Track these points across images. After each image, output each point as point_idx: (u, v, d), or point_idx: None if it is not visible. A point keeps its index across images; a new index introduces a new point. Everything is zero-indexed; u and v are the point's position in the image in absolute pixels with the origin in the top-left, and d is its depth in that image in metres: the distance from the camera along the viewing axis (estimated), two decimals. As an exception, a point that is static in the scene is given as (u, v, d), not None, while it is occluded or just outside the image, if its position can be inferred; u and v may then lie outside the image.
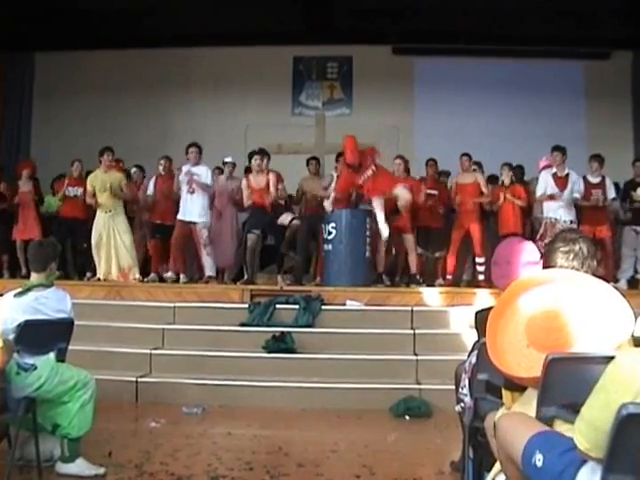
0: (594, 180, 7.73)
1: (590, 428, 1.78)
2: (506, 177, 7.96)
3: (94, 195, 7.75)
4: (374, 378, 5.72)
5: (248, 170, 8.18)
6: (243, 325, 6.42)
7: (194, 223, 7.75)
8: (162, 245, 8.14)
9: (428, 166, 8.58)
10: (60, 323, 3.69)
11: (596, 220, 7.60)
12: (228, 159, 8.53)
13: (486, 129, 10.20)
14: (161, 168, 8.31)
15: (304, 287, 7.44)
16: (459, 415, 3.33)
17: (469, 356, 3.30)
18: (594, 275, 2.36)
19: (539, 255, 3.62)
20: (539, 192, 7.60)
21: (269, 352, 6.00)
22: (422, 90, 10.87)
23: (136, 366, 5.93)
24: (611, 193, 7.71)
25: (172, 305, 6.76)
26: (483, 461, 2.95)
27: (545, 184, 7.53)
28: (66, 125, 10.62)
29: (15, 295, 3.62)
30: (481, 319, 3.01)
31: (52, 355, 3.61)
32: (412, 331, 6.29)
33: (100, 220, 7.76)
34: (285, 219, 7.63)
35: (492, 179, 8.47)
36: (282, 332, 6.13)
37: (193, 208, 7.70)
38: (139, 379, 5.75)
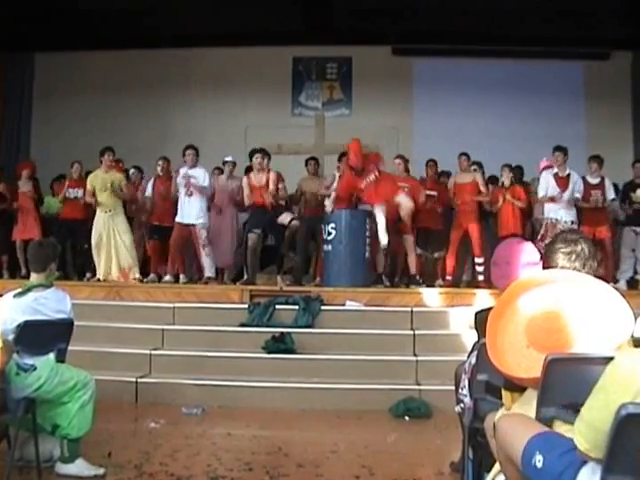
0: (593, 181, 7.73)
1: (590, 428, 1.78)
2: (506, 178, 7.97)
3: (94, 194, 7.75)
4: (374, 379, 5.72)
5: (249, 170, 8.18)
6: (243, 325, 6.42)
7: (193, 225, 7.75)
8: (161, 246, 8.14)
9: (428, 167, 8.60)
10: (60, 323, 3.69)
11: (596, 221, 7.61)
12: (228, 158, 8.54)
13: (485, 130, 10.20)
14: (159, 169, 8.32)
15: (304, 287, 7.44)
16: (459, 416, 3.33)
17: (469, 357, 3.30)
18: (594, 276, 2.36)
19: (539, 256, 3.61)
20: (541, 193, 7.60)
21: (269, 352, 6.00)
22: (421, 91, 10.86)
23: (136, 366, 5.93)
24: (610, 194, 7.72)
25: (172, 305, 6.76)
26: (483, 462, 2.95)
27: (546, 185, 7.53)
28: (66, 125, 10.62)
29: (15, 295, 3.62)
30: (481, 319, 3.01)
31: (52, 356, 3.61)
32: (412, 332, 6.29)
33: (100, 220, 7.76)
34: (285, 219, 7.64)
35: (493, 180, 8.47)
36: (282, 332, 6.13)
37: (191, 210, 7.71)
38: (139, 379, 5.75)
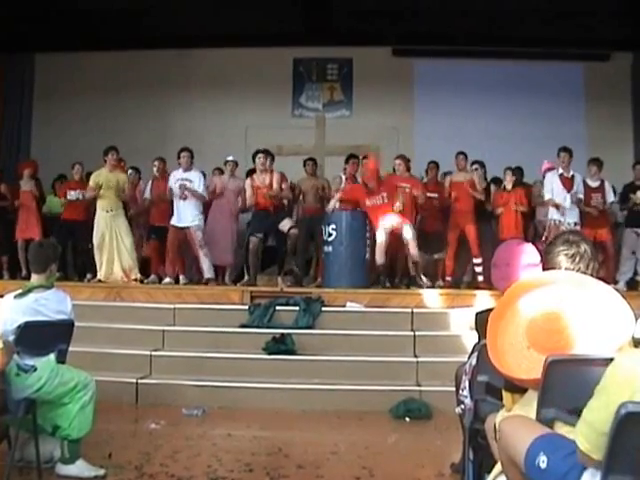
0: (593, 184, 7.75)
1: (591, 430, 1.78)
2: (509, 182, 7.94)
3: (96, 190, 7.70)
4: (374, 380, 5.72)
5: (251, 172, 8.21)
6: (243, 326, 6.42)
7: (187, 228, 7.75)
8: (160, 246, 8.14)
9: (429, 169, 8.60)
10: (60, 324, 3.70)
11: (597, 223, 7.64)
12: (230, 158, 8.54)
13: (485, 131, 10.20)
14: (155, 170, 8.33)
15: (304, 289, 7.44)
16: (459, 417, 3.33)
17: (469, 358, 3.30)
18: (595, 277, 2.36)
19: (539, 257, 3.61)
20: (547, 195, 7.60)
21: (269, 353, 6.00)
22: (422, 92, 10.87)
23: (136, 367, 5.93)
24: (610, 197, 7.74)
25: (172, 306, 6.76)
26: (483, 463, 2.95)
27: (551, 187, 7.54)
28: (66, 126, 10.62)
29: (15, 296, 3.62)
30: (481, 320, 3.01)
31: (52, 356, 3.61)
32: (412, 333, 6.29)
33: (102, 220, 7.74)
34: (285, 226, 7.64)
35: (496, 181, 8.45)
36: (282, 334, 6.13)
37: (186, 213, 7.70)
38: (139, 380, 5.75)
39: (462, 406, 3.24)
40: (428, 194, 8.08)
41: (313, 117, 10.25)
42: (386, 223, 7.36)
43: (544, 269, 2.50)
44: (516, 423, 2.18)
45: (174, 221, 7.75)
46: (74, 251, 8.57)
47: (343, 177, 8.20)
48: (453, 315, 6.55)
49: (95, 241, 7.74)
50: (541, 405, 2.14)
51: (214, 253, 8.04)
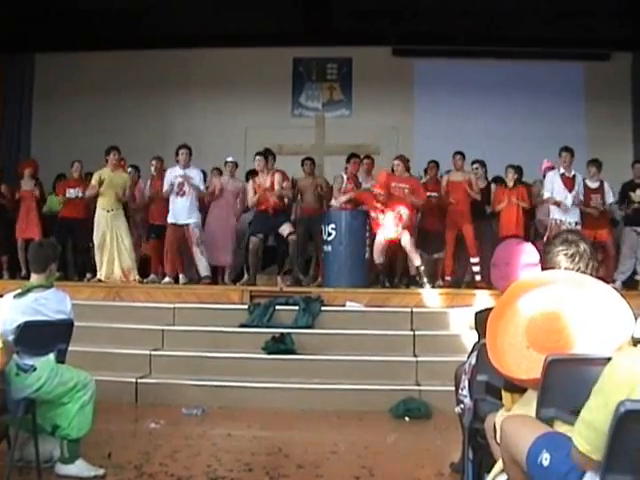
0: (593, 185, 7.75)
1: (590, 430, 1.78)
2: (510, 180, 7.94)
3: (97, 187, 7.69)
4: (374, 379, 5.72)
5: (252, 173, 8.21)
6: (243, 326, 6.42)
7: (186, 225, 7.75)
8: (159, 245, 8.14)
9: (429, 168, 8.61)
10: (60, 324, 3.70)
11: (597, 224, 7.64)
12: (229, 159, 8.53)
13: (485, 130, 10.19)
14: (153, 169, 8.34)
15: (304, 288, 7.44)
16: (459, 416, 3.33)
17: (469, 357, 3.30)
18: (595, 276, 2.36)
19: (538, 257, 3.61)
20: (547, 194, 7.60)
21: (269, 353, 6.00)
22: (421, 91, 10.86)
23: (136, 367, 5.93)
24: (609, 197, 7.75)
25: (172, 306, 6.76)
26: (483, 462, 2.95)
27: (552, 186, 7.54)
28: (66, 126, 10.61)
29: (15, 296, 3.62)
30: (481, 320, 3.01)
31: (52, 356, 3.61)
32: (412, 332, 6.30)
33: (102, 220, 7.74)
34: (284, 230, 7.64)
35: (497, 180, 8.44)
36: (282, 333, 6.13)
37: (183, 210, 7.71)
38: (139, 380, 5.75)
39: (462, 406, 3.24)
40: (428, 193, 8.09)
41: (313, 117, 10.23)
42: (386, 233, 7.40)
43: (543, 269, 2.50)
44: (518, 422, 2.18)
45: (171, 219, 7.75)
46: (74, 250, 8.57)
47: (344, 176, 8.20)
48: (453, 315, 6.55)
49: (96, 241, 7.74)
50: (541, 405, 2.14)
51: (213, 254, 8.05)
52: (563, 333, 2.15)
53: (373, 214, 7.53)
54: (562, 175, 7.56)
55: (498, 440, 2.38)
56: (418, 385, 5.68)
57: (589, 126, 10.50)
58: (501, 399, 2.51)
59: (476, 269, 7.89)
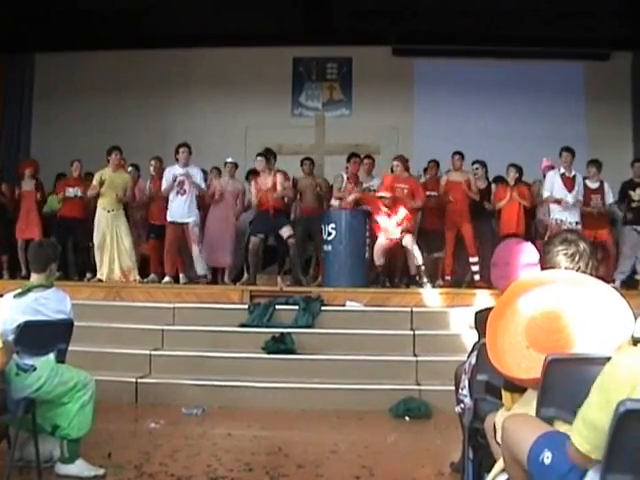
0: (593, 185, 7.76)
1: (590, 429, 1.78)
2: (512, 179, 7.93)
3: (98, 188, 7.69)
4: (374, 379, 5.72)
5: (252, 172, 8.21)
6: (243, 326, 6.42)
7: (186, 223, 7.76)
8: (159, 244, 8.14)
9: (429, 167, 8.61)
10: (60, 324, 3.70)
11: (597, 224, 7.65)
12: (229, 159, 8.53)
13: (485, 130, 10.19)
14: (152, 169, 8.34)
15: (304, 288, 7.44)
16: (459, 416, 3.33)
17: (469, 357, 3.30)
18: (594, 276, 2.36)
19: (538, 256, 3.62)
20: (546, 194, 7.60)
21: (269, 353, 6.00)
22: (421, 91, 10.86)
23: (136, 367, 5.93)
24: (609, 198, 7.75)
25: (172, 306, 6.76)
26: (483, 462, 2.94)
27: (551, 185, 7.54)
28: (66, 126, 10.61)
29: (15, 296, 3.62)
30: (481, 319, 3.01)
31: (52, 356, 3.61)
32: (412, 332, 6.30)
33: (102, 220, 7.74)
34: (284, 233, 7.63)
35: (498, 180, 8.43)
36: (282, 333, 6.13)
37: (184, 208, 7.72)
38: (139, 380, 5.75)
39: (462, 405, 3.24)
40: (428, 193, 8.09)
41: (313, 116, 10.24)
42: (389, 234, 7.41)
43: (543, 268, 2.49)
44: (520, 421, 2.18)
45: (170, 217, 7.75)
46: (75, 249, 8.56)
47: (344, 176, 8.19)
48: (453, 314, 6.55)
49: (96, 241, 7.74)
50: (541, 404, 2.14)
51: (213, 255, 8.04)
52: (563, 333, 2.15)
53: (378, 217, 7.52)
54: (562, 175, 7.57)
55: (498, 440, 2.38)
56: (418, 385, 5.69)
57: (589, 126, 10.50)
58: (501, 399, 2.50)
59: (475, 268, 7.90)
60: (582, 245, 2.42)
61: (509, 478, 2.22)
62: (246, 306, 6.71)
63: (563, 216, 7.44)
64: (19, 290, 3.67)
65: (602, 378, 1.77)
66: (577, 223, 7.40)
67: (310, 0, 9.80)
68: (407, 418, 5.25)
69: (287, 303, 6.67)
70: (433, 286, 7.49)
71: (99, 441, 4.09)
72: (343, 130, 9.66)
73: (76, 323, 3.80)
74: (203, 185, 7.93)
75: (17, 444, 3.48)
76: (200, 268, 7.81)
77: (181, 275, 7.87)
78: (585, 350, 2.10)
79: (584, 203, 7.62)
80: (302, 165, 8.57)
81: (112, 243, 7.69)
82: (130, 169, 8.63)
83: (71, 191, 8.36)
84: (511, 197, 7.81)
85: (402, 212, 7.46)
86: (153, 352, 6.09)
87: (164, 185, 7.79)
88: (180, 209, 7.72)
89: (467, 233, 7.96)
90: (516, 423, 2.18)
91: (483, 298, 6.66)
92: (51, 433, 3.63)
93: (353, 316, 6.68)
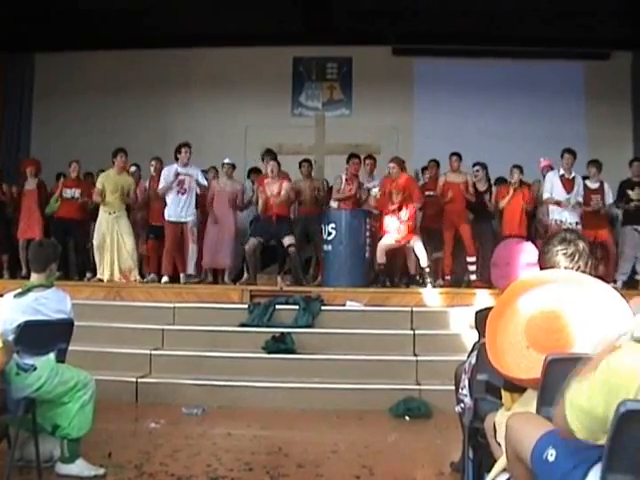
0: (593, 186, 7.76)
1: (586, 415, 1.75)
2: (516, 181, 7.86)
3: (101, 194, 7.70)
4: (374, 379, 5.72)
5: (253, 171, 8.20)
6: (243, 326, 6.42)
7: (185, 223, 7.77)
8: (158, 245, 8.14)
9: (429, 167, 8.61)
10: (60, 324, 3.70)
11: (597, 224, 7.64)
12: (227, 160, 8.52)
13: (485, 130, 10.19)
14: (152, 169, 8.34)
15: (304, 288, 7.44)
16: (459, 416, 3.34)
17: (469, 357, 3.30)
18: (594, 275, 2.36)
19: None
20: (546, 195, 7.60)
21: (269, 353, 6.00)
22: (422, 91, 10.86)
23: (136, 367, 5.93)
24: (609, 198, 7.75)
25: (172, 305, 6.76)
26: (483, 462, 2.94)
27: (551, 186, 7.54)
28: (66, 126, 10.62)
29: (15, 296, 3.62)
30: (481, 319, 3.01)
31: (52, 356, 3.61)
32: (412, 332, 6.30)
33: (104, 222, 7.73)
34: (286, 242, 7.63)
35: (500, 181, 8.41)
36: (282, 333, 6.13)
37: (183, 208, 7.74)
38: (139, 379, 5.75)
39: (462, 405, 3.25)
40: (427, 192, 8.09)
41: (313, 116, 10.24)
42: (396, 235, 7.42)
43: (542, 268, 2.50)
44: (524, 419, 2.17)
45: (169, 216, 7.75)
46: (76, 249, 8.55)
47: (343, 177, 8.18)
48: (453, 314, 6.55)
49: (95, 242, 7.74)
50: (541, 404, 2.14)
51: (212, 257, 8.04)
52: (563, 332, 2.15)
53: (386, 217, 7.50)
54: (562, 177, 7.56)
55: (498, 439, 2.38)
56: (418, 384, 5.69)
57: (589, 125, 10.50)
58: (501, 398, 2.51)
59: (472, 268, 7.90)
60: (581, 244, 2.42)
61: (512, 476, 2.22)
62: (246, 306, 6.71)
63: (562, 217, 7.45)
64: (19, 290, 3.67)
65: (602, 374, 1.75)
66: (577, 223, 7.40)
67: (310, 0, 9.80)
68: (407, 418, 5.25)
69: (287, 303, 6.67)
70: (433, 286, 7.49)
71: (99, 441, 4.09)
72: (343, 130, 9.67)
73: (76, 323, 3.80)
74: (205, 182, 7.93)
75: (17, 444, 3.48)
76: (190, 267, 7.82)
77: (182, 275, 7.87)
78: (585, 350, 2.10)
79: (584, 203, 7.62)
80: (300, 167, 8.57)
81: (112, 245, 7.68)
82: (133, 169, 8.63)
83: (68, 192, 8.35)
84: (514, 195, 7.78)
85: (408, 211, 7.45)
86: (153, 352, 6.09)
87: (162, 184, 7.79)
88: (179, 208, 7.72)
89: (465, 233, 7.96)
90: (520, 421, 2.17)
91: (483, 298, 6.66)
92: (51, 433, 3.63)
93: (353, 316, 6.68)
